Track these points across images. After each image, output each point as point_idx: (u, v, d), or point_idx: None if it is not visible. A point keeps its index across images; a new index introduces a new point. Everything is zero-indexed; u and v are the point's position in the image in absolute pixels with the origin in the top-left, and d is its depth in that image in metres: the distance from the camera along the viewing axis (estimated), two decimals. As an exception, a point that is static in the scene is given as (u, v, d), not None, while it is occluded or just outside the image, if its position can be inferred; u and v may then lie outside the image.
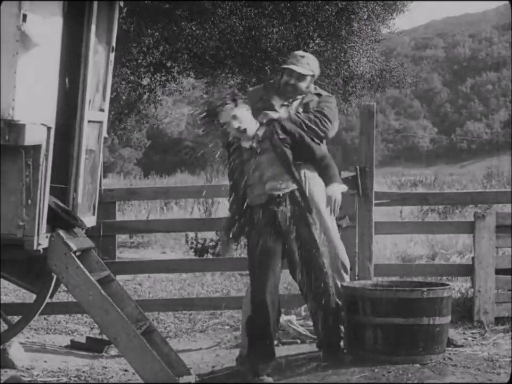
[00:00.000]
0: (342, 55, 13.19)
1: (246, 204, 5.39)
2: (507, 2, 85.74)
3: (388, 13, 13.93)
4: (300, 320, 6.58)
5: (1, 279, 6.13)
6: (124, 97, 15.33)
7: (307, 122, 5.65)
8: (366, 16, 12.98)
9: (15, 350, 5.91)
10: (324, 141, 5.79)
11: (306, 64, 5.78)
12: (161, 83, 14.58)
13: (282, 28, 12.39)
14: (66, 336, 7.14)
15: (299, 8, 12.31)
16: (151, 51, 13.58)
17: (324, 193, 5.45)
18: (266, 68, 13.30)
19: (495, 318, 6.71)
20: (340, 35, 12.82)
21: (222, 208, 17.30)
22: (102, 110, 6.22)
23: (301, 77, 5.76)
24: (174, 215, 18.54)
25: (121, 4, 6.21)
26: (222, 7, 12.32)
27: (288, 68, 5.77)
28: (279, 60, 13.06)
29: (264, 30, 12.38)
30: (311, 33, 12.72)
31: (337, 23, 12.63)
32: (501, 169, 34.47)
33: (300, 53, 5.92)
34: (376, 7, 13.22)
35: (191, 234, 12.33)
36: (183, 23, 12.53)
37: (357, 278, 6.58)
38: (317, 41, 13.12)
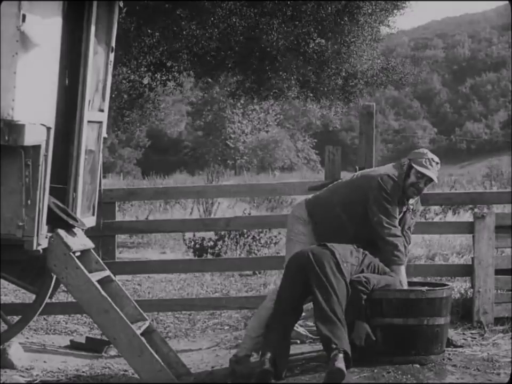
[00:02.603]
0: (345, 49, 13.19)
1: None
2: (507, 2, 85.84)
3: (389, 11, 13.94)
4: (300, 321, 6.58)
5: (1, 279, 6.13)
6: (125, 96, 15.34)
7: None
8: (370, 10, 12.98)
9: (14, 350, 5.90)
10: None
11: (437, 170, 5.77)
12: (161, 82, 14.59)
13: (283, 26, 12.39)
14: (66, 336, 7.14)
15: (298, 7, 12.31)
16: (151, 51, 13.58)
17: None
18: (267, 67, 13.30)
19: (494, 318, 6.71)
20: (342, 30, 12.81)
21: (222, 208, 17.32)
22: (101, 110, 6.23)
23: (429, 182, 5.75)
24: (173, 215, 18.54)
25: (121, 4, 6.21)
26: (222, 7, 12.31)
27: (429, 177, 5.70)
28: (279, 60, 13.07)
29: (264, 29, 12.38)
30: (311, 33, 12.71)
31: (338, 20, 12.62)
32: (500, 170, 34.51)
33: (434, 157, 5.78)
34: (381, 2, 13.24)
35: (189, 234, 12.33)
36: (183, 23, 12.53)
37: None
38: (317, 41, 13.12)
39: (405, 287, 5.58)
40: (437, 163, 5.75)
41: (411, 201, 5.83)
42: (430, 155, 5.77)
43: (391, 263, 5.57)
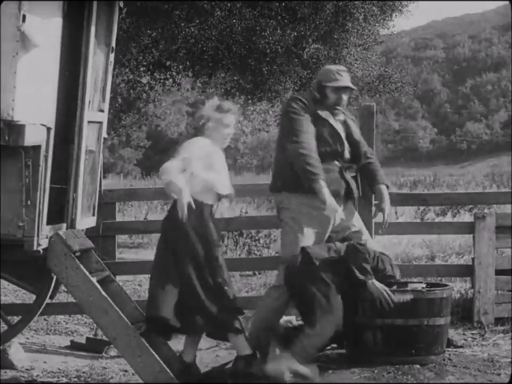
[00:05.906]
0: (336, 56, 13.24)
1: None
2: (507, 2, 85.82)
3: (387, 14, 13.92)
4: (300, 321, 6.57)
5: (1, 279, 6.13)
6: (123, 96, 15.36)
7: None
8: (362, 16, 12.98)
9: (15, 350, 5.90)
10: None
11: (349, 76, 5.64)
12: (160, 81, 14.60)
13: (280, 30, 12.43)
14: (66, 336, 7.13)
15: (297, 8, 12.34)
16: (150, 50, 13.60)
17: None
18: (263, 69, 13.32)
19: (495, 319, 6.71)
20: (333, 38, 12.85)
21: (221, 208, 17.30)
22: (101, 111, 6.22)
23: (349, 92, 5.64)
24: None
25: (121, 4, 6.21)
26: (221, 8, 12.34)
27: (345, 86, 5.51)
28: (277, 61, 13.08)
29: (263, 31, 12.41)
30: (309, 35, 12.74)
31: (333, 25, 12.66)
32: (501, 170, 34.51)
33: (339, 67, 5.70)
34: (373, 8, 13.20)
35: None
36: (182, 23, 12.56)
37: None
38: (314, 44, 13.15)
39: (334, 207, 5.24)
40: (344, 70, 5.59)
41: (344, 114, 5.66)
42: (334, 67, 5.65)
43: (308, 182, 5.23)
